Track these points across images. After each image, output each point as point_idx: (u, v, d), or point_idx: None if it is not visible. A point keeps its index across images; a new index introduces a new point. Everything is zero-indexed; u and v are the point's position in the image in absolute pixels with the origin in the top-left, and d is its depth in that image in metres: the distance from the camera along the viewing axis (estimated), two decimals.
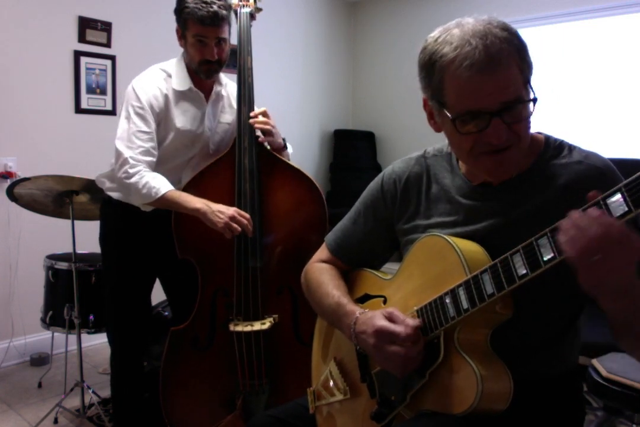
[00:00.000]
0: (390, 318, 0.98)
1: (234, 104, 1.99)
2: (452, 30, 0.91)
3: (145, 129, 1.77)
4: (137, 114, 1.77)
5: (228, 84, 2.01)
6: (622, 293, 0.77)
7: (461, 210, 1.03)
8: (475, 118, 0.89)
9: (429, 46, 0.92)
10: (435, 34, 0.93)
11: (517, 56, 0.88)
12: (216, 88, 1.94)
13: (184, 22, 1.79)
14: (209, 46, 1.79)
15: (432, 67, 0.91)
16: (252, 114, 1.84)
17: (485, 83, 0.86)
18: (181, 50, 1.90)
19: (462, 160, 1.03)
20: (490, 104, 0.87)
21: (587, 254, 0.72)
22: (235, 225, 1.68)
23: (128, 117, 1.78)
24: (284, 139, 1.92)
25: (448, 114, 0.91)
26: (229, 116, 2.00)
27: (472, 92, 0.88)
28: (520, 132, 0.91)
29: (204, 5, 1.73)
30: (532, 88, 0.91)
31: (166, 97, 1.82)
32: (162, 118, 1.83)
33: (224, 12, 1.77)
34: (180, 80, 1.86)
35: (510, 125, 0.89)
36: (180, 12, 1.78)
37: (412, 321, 0.96)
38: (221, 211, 1.70)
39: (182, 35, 1.83)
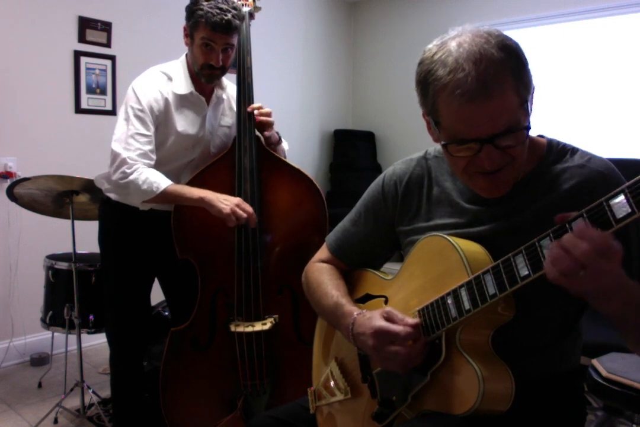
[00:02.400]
0: (389, 318, 0.98)
1: (234, 107, 1.99)
2: (449, 44, 0.88)
3: (144, 131, 1.75)
4: (137, 117, 1.75)
5: (228, 86, 2.00)
6: (611, 295, 0.78)
7: (463, 213, 1.03)
8: (467, 143, 0.89)
9: (426, 61, 0.90)
10: (432, 46, 0.91)
11: (513, 79, 0.85)
12: (217, 92, 1.93)
13: (194, 23, 1.74)
14: (216, 51, 1.77)
15: (427, 87, 0.90)
16: (251, 108, 1.83)
17: (477, 112, 0.85)
18: (182, 51, 1.89)
19: (457, 175, 1.02)
20: (481, 134, 0.87)
21: (570, 273, 0.73)
22: (240, 212, 1.68)
23: (127, 119, 1.76)
24: (277, 133, 1.92)
25: (441, 136, 0.93)
26: (229, 119, 1.99)
27: (463, 121, 0.87)
28: (515, 154, 0.90)
29: (218, 11, 1.70)
30: (529, 108, 0.89)
31: (167, 100, 1.80)
32: (162, 121, 1.81)
33: (237, 21, 1.75)
34: (181, 83, 1.84)
35: (504, 149, 0.89)
36: (193, 12, 1.74)
37: (411, 320, 0.96)
38: (226, 198, 1.70)
39: (189, 34, 1.80)
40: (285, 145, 1.99)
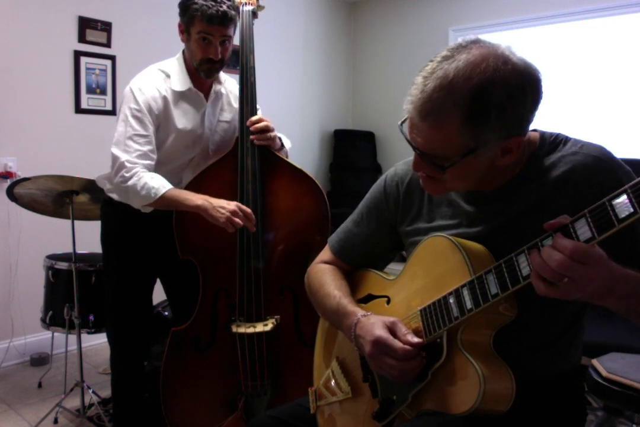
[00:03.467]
0: (392, 330, 0.97)
1: (233, 102, 1.98)
2: (454, 53, 0.86)
3: (142, 132, 1.75)
4: (135, 117, 1.74)
5: (227, 81, 1.99)
6: (604, 295, 0.79)
7: (462, 213, 1.03)
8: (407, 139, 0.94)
9: (435, 56, 0.90)
10: (451, 46, 0.89)
11: (461, 123, 0.84)
12: (215, 87, 1.92)
13: (189, 18, 1.74)
14: (214, 45, 1.76)
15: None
16: (250, 124, 1.80)
17: (412, 122, 0.90)
18: (181, 49, 1.89)
19: None
20: (411, 139, 0.92)
21: (554, 282, 0.75)
22: (236, 219, 1.67)
23: (125, 120, 1.75)
24: (280, 138, 1.91)
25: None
26: (228, 114, 1.99)
27: (409, 121, 0.92)
28: (439, 176, 0.93)
29: (213, 4, 1.70)
30: (467, 157, 0.87)
31: (165, 98, 1.80)
32: (162, 120, 1.81)
33: (232, 12, 1.75)
34: (179, 80, 1.84)
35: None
36: (187, 7, 1.74)
37: (414, 339, 0.94)
38: (222, 206, 1.68)
39: (185, 30, 1.79)
40: (287, 143, 1.99)
